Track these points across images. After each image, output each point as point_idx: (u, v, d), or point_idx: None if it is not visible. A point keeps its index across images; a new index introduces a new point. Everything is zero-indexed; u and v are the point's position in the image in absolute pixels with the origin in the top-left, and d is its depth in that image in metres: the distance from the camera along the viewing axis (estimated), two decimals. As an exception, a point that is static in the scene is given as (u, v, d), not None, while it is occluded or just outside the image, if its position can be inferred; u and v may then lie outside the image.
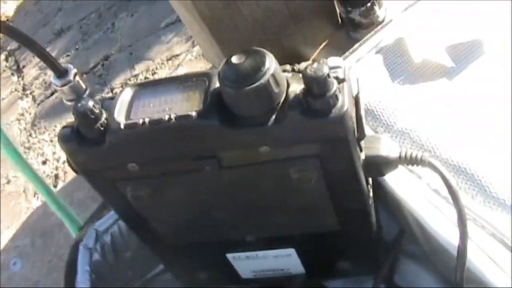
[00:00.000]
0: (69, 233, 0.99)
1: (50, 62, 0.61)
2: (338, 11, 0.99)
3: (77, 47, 2.27)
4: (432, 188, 0.70)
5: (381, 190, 0.72)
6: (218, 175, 0.62)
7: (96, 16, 2.31)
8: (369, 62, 0.84)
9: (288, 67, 0.60)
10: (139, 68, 2.07)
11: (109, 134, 0.60)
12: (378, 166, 0.64)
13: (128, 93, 0.62)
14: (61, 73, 0.62)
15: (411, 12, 0.87)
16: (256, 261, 0.76)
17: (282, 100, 0.57)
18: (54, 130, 2.05)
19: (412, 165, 0.65)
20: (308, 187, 0.62)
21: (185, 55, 2.05)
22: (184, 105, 0.59)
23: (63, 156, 1.96)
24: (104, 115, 0.60)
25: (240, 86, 0.55)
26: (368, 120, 0.78)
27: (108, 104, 0.62)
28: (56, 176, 1.84)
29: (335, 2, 0.96)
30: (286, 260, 0.75)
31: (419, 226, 0.71)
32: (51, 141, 2.01)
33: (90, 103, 0.59)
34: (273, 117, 0.56)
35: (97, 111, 0.59)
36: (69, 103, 0.63)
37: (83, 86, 0.63)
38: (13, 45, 2.45)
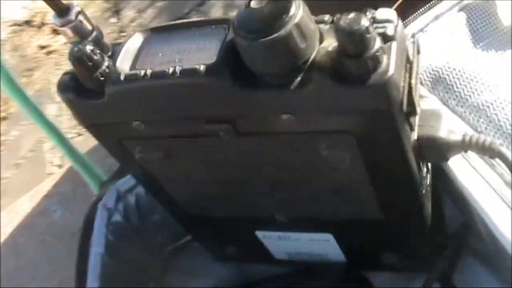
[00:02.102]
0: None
1: None
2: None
3: (173, -10, 2.17)
4: (505, 180, 0.54)
5: (443, 175, 0.57)
6: (235, 142, 0.50)
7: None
8: (448, 21, 0.67)
9: (326, 17, 0.46)
10: (233, 14, 1.95)
11: (108, 85, 0.48)
12: (435, 149, 0.50)
13: (138, 39, 0.50)
14: (61, 11, 0.50)
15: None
16: (290, 243, 0.63)
17: (310, 58, 0.43)
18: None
19: (478, 153, 0.50)
20: (342, 167, 0.49)
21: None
22: (196, 56, 0.46)
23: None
24: (106, 63, 0.49)
25: (256, 36, 0.41)
26: (438, 90, 0.63)
27: (116, 51, 0.51)
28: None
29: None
30: (324, 245, 0.62)
31: (484, 223, 0.55)
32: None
33: (88, 48, 0.48)
34: (298, 78, 0.43)
35: (96, 57, 0.48)
36: (72, 46, 0.52)
37: (89, 26, 0.51)
38: (114, -14, 2.38)
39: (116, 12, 2.29)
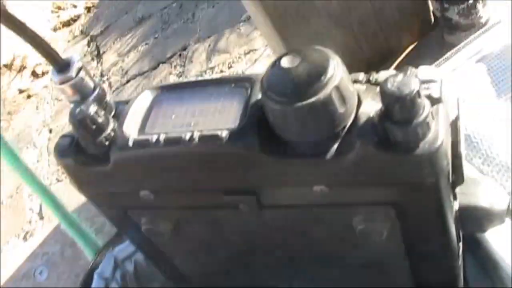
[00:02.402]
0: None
1: (47, 52, 0.44)
2: (431, 8, 0.77)
3: (156, 35, 2.14)
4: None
5: (474, 243, 0.52)
6: (256, 215, 0.44)
7: (177, 5, 2.17)
8: (467, 73, 0.63)
9: (361, 76, 0.41)
10: (216, 60, 1.91)
11: (114, 151, 0.42)
12: (476, 220, 0.45)
13: (147, 97, 0.44)
14: (61, 66, 0.44)
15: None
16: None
17: (349, 123, 0.38)
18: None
19: (525, 222, 0.45)
20: (377, 241, 0.43)
21: (264, 50, 1.89)
22: (215, 119, 0.41)
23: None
24: (111, 125, 0.43)
25: (290, 101, 0.36)
26: (461, 148, 0.58)
27: (122, 110, 0.45)
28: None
29: (429, -3, 0.75)
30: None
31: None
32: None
33: (92, 109, 0.42)
34: (335, 146, 0.38)
35: (100, 119, 0.42)
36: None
37: (91, 83, 0.45)
38: (96, 30, 2.34)
39: (97, 56, 2.24)
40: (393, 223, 0.42)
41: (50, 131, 2.06)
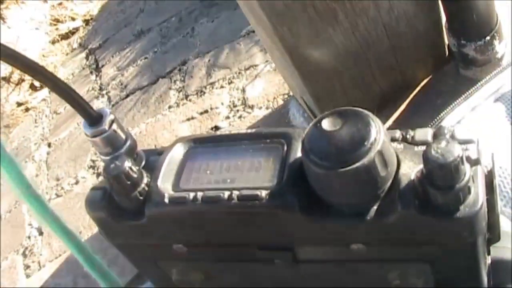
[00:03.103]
0: (119, 275, 0.81)
1: (79, 105, 0.43)
2: (446, 42, 0.78)
3: (155, 50, 2.13)
4: None
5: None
6: (291, 269, 0.44)
7: (176, 19, 2.17)
8: (486, 113, 0.63)
9: (397, 133, 0.41)
10: (216, 76, 1.91)
11: (149, 207, 0.42)
12: (507, 272, 0.45)
13: (179, 150, 0.44)
14: (93, 119, 0.44)
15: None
16: None
17: (388, 185, 0.38)
18: (125, 133, 1.91)
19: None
20: (411, 294, 0.43)
21: (264, 65, 1.89)
22: (251, 176, 0.41)
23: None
24: (145, 180, 0.43)
25: (333, 165, 0.36)
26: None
27: (154, 162, 0.45)
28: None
29: (445, 32, 0.75)
30: None
31: None
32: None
33: (127, 164, 0.41)
34: (375, 208, 0.38)
35: (135, 175, 0.42)
36: (105, 158, 0.45)
37: (122, 136, 0.45)
38: (94, 43, 2.33)
39: (96, 70, 2.23)
40: (428, 279, 0.42)
41: (49, 145, 2.04)
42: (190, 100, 1.86)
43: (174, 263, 0.47)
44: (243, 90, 1.81)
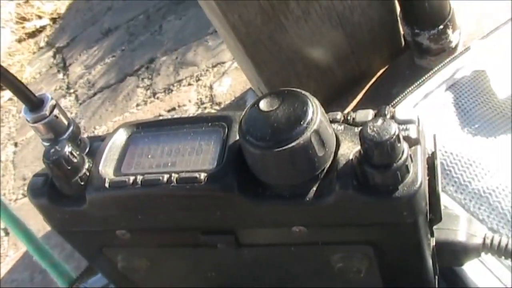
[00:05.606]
0: (76, 269, 0.80)
1: (19, 91, 0.42)
2: (401, 32, 0.78)
3: (123, 48, 2.11)
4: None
5: (454, 278, 0.52)
6: (234, 253, 0.43)
7: (144, 17, 2.15)
8: (438, 100, 0.64)
9: (339, 115, 0.41)
10: (183, 73, 1.90)
11: (90, 192, 0.41)
12: (453, 254, 0.45)
13: (122, 134, 0.44)
14: (34, 104, 0.43)
15: (494, 38, 0.66)
16: None
17: (327, 165, 0.37)
18: (93, 132, 1.90)
19: (500, 256, 0.45)
20: (356, 278, 0.43)
21: (231, 63, 1.88)
22: (192, 160, 0.40)
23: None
24: (86, 165, 0.42)
25: (269, 145, 0.35)
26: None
27: (96, 148, 0.44)
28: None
29: (399, 22, 0.76)
30: None
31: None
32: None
33: (67, 149, 0.41)
34: (314, 189, 0.37)
35: (75, 160, 0.41)
36: (46, 144, 0.44)
37: (65, 121, 0.44)
38: (62, 42, 2.30)
39: (64, 68, 2.20)
40: (371, 261, 0.42)
41: (16, 144, 2.02)
42: (157, 98, 1.85)
43: (118, 250, 0.46)
44: (211, 88, 1.80)
